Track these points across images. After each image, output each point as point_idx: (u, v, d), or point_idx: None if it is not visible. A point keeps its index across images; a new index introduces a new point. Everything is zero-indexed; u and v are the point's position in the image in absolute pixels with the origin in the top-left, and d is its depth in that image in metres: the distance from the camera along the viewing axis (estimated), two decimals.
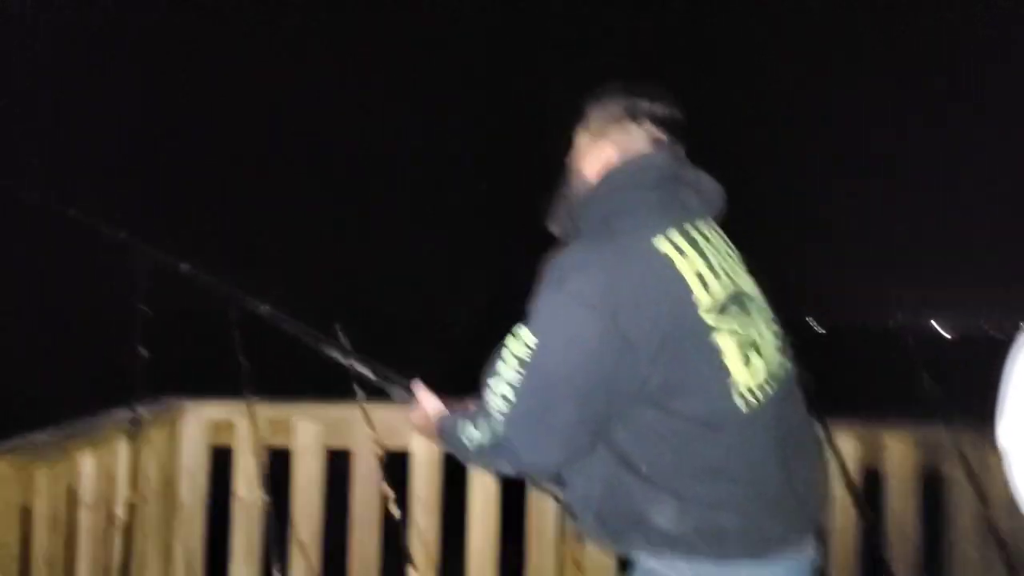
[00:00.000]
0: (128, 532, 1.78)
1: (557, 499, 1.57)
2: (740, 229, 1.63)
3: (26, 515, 1.76)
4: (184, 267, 2.04)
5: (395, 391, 1.80)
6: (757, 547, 1.36)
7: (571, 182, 1.60)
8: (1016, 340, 0.78)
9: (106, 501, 2.07)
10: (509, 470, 1.46)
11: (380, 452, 2.38)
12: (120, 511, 2.09)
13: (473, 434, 1.43)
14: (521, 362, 1.36)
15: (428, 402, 1.69)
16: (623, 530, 1.40)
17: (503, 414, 1.36)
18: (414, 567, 1.76)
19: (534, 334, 1.36)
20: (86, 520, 1.97)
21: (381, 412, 2.57)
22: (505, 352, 1.39)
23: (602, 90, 1.60)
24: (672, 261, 1.36)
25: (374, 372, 1.85)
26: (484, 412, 1.40)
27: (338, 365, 2.56)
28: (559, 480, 1.52)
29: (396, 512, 2.02)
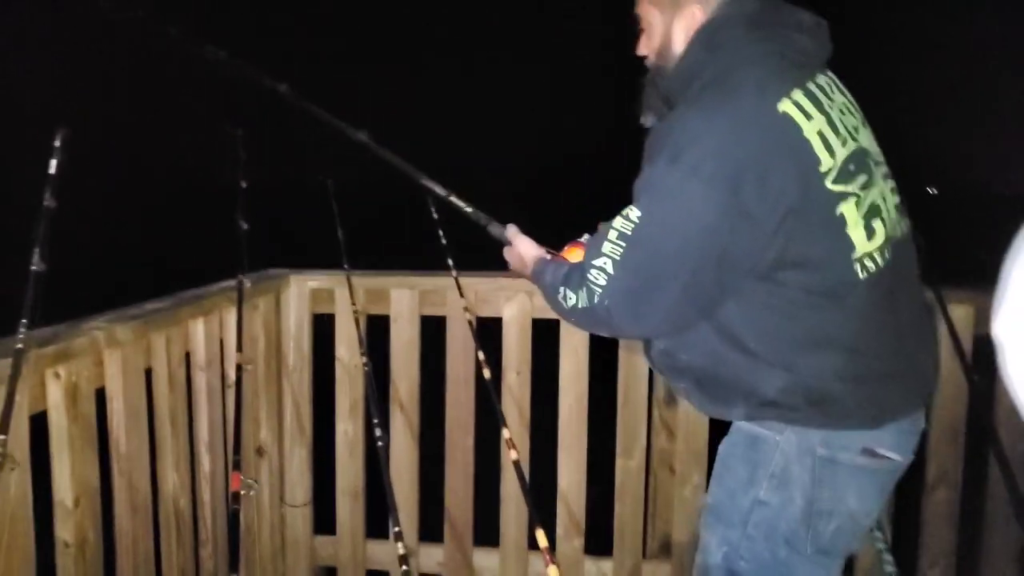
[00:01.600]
0: (239, 391, 1.91)
1: (652, 364, 1.53)
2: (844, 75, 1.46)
3: (149, 376, 1.92)
4: (283, 88, 1.96)
5: (492, 227, 1.73)
6: (869, 417, 1.32)
7: (656, 64, 1.45)
8: (1021, 230, 0.73)
9: (218, 363, 2.22)
10: (604, 334, 1.43)
11: (472, 318, 2.44)
12: (231, 372, 2.24)
13: (569, 296, 1.38)
14: (621, 235, 1.28)
15: (523, 244, 1.62)
16: (725, 397, 1.38)
17: (599, 287, 1.30)
18: (506, 426, 1.82)
19: (639, 209, 1.27)
20: (201, 380, 2.13)
21: (472, 282, 2.64)
22: (607, 226, 1.32)
23: None
24: (799, 127, 1.24)
25: (472, 209, 1.78)
26: (581, 278, 1.34)
27: (431, 238, 2.61)
28: (656, 345, 1.48)
29: (488, 374, 2.09)
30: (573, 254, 1.55)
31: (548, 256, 1.58)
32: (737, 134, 1.23)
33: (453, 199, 1.80)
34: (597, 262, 1.31)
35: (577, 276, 1.37)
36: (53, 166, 1.52)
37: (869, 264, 1.28)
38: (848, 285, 1.27)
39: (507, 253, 1.67)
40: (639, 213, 1.28)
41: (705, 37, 1.34)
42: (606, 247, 1.30)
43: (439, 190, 1.83)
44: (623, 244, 1.28)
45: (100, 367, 1.73)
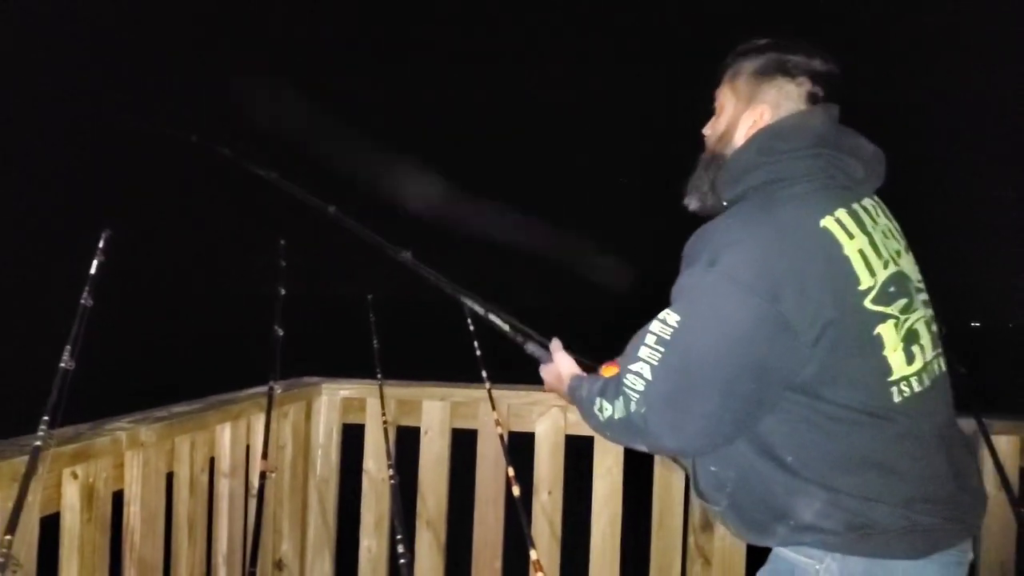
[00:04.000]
0: (261, 499, 1.86)
1: (688, 479, 1.46)
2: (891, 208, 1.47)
3: (170, 480, 1.88)
4: (331, 209, 2.00)
5: (529, 345, 1.72)
6: (914, 546, 1.23)
7: (714, 148, 1.46)
8: None
9: (243, 470, 2.18)
10: (641, 448, 1.37)
11: (504, 432, 2.39)
12: (255, 480, 2.20)
13: (605, 407, 1.34)
14: (659, 340, 1.25)
15: (563, 361, 1.60)
16: (762, 521, 1.31)
17: (637, 392, 1.27)
18: (534, 547, 1.72)
19: (677, 313, 1.26)
20: (224, 487, 2.09)
21: (506, 395, 2.60)
22: (644, 331, 1.29)
23: (748, 45, 1.44)
24: (839, 243, 1.23)
25: (510, 325, 1.77)
26: (617, 387, 1.31)
27: (465, 350, 2.60)
28: (693, 462, 1.42)
29: (517, 491, 2.01)
30: (610, 372, 1.52)
31: (585, 374, 1.55)
32: (778, 244, 1.22)
33: (492, 316, 1.80)
34: (634, 367, 1.28)
35: (613, 386, 1.33)
36: (94, 266, 1.55)
37: (905, 389, 1.24)
38: (885, 406, 1.23)
39: (543, 371, 1.66)
40: (677, 317, 1.26)
41: (763, 141, 1.35)
42: (643, 352, 1.27)
43: (478, 308, 1.83)
44: (661, 349, 1.25)
45: (120, 469, 1.71)
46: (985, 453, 2.15)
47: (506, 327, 1.78)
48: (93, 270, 1.56)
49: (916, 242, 1.45)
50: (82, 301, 1.52)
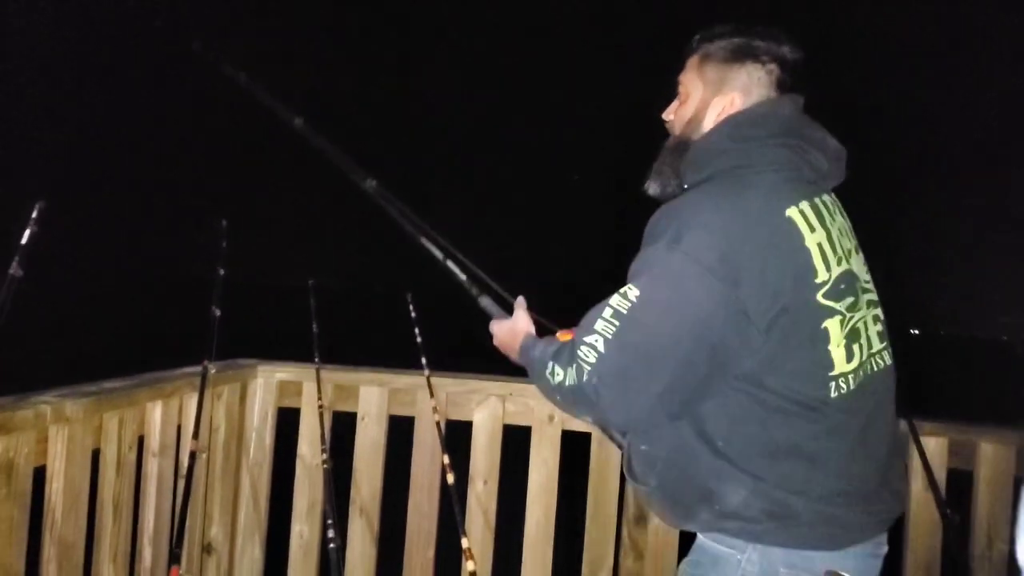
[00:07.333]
0: (189, 479, 1.82)
1: (625, 467, 1.46)
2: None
3: (96, 458, 1.84)
4: (298, 121, 1.88)
5: (483, 299, 1.68)
6: (832, 538, 1.28)
7: (681, 133, 1.45)
8: None
9: (173, 450, 2.14)
10: (586, 419, 1.37)
11: (441, 420, 2.39)
12: (186, 460, 2.16)
13: (557, 372, 1.33)
14: (616, 313, 1.26)
15: (520, 319, 1.57)
16: (688, 503, 1.33)
17: (589, 364, 1.26)
18: (465, 535, 1.74)
19: (638, 288, 1.26)
20: (152, 467, 2.04)
21: (444, 382, 2.60)
22: (603, 303, 1.29)
23: (713, 31, 1.43)
24: (802, 234, 1.25)
25: (469, 275, 1.71)
26: (571, 355, 1.30)
27: (405, 336, 2.59)
28: (628, 439, 1.43)
29: (451, 479, 2.02)
30: (566, 339, 1.52)
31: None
32: (743, 229, 1.24)
33: (450, 263, 1.73)
34: (588, 339, 1.28)
35: (567, 352, 1.32)
36: (26, 236, 1.51)
37: (843, 385, 1.28)
38: (820, 401, 1.26)
39: (496, 326, 1.62)
40: (637, 292, 1.26)
41: (733, 126, 1.36)
42: (599, 324, 1.27)
43: (437, 252, 1.75)
44: (617, 323, 1.26)
45: (44, 444, 1.66)
46: (915, 454, 2.20)
47: (463, 276, 1.72)
48: (25, 240, 1.52)
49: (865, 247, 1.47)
50: (11, 271, 1.48)
